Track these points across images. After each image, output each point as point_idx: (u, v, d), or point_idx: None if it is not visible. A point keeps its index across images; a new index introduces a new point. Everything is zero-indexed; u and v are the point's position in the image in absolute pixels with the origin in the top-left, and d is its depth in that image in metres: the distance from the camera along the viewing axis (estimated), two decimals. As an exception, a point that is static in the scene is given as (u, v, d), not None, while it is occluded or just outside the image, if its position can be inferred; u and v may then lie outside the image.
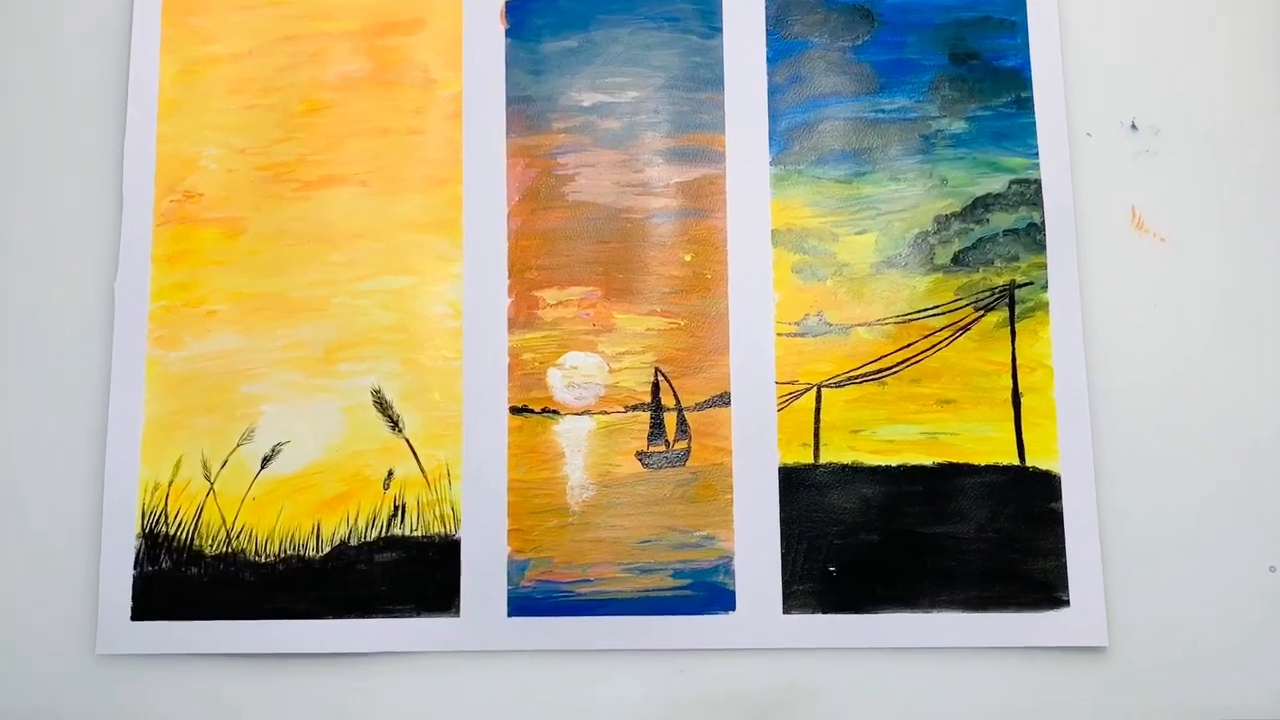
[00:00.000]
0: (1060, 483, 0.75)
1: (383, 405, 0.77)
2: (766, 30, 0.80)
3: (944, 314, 0.78)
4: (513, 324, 0.78)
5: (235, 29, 0.80)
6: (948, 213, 0.79)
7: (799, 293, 0.78)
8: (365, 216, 0.79)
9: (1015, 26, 0.80)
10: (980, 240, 0.78)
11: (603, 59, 0.80)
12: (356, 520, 0.76)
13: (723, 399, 0.77)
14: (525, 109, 0.80)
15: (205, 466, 0.76)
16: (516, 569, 0.75)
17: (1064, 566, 0.75)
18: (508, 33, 0.80)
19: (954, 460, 0.76)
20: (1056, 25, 0.80)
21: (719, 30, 0.80)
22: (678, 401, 0.77)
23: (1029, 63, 0.80)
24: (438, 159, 0.79)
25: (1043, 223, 0.78)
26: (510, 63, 0.80)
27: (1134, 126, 0.80)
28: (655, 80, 0.80)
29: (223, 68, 0.80)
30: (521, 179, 0.79)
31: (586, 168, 0.79)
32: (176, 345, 0.77)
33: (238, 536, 0.76)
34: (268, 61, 0.80)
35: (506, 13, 0.80)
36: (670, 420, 0.77)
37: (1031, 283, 0.78)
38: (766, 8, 0.80)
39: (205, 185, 0.79)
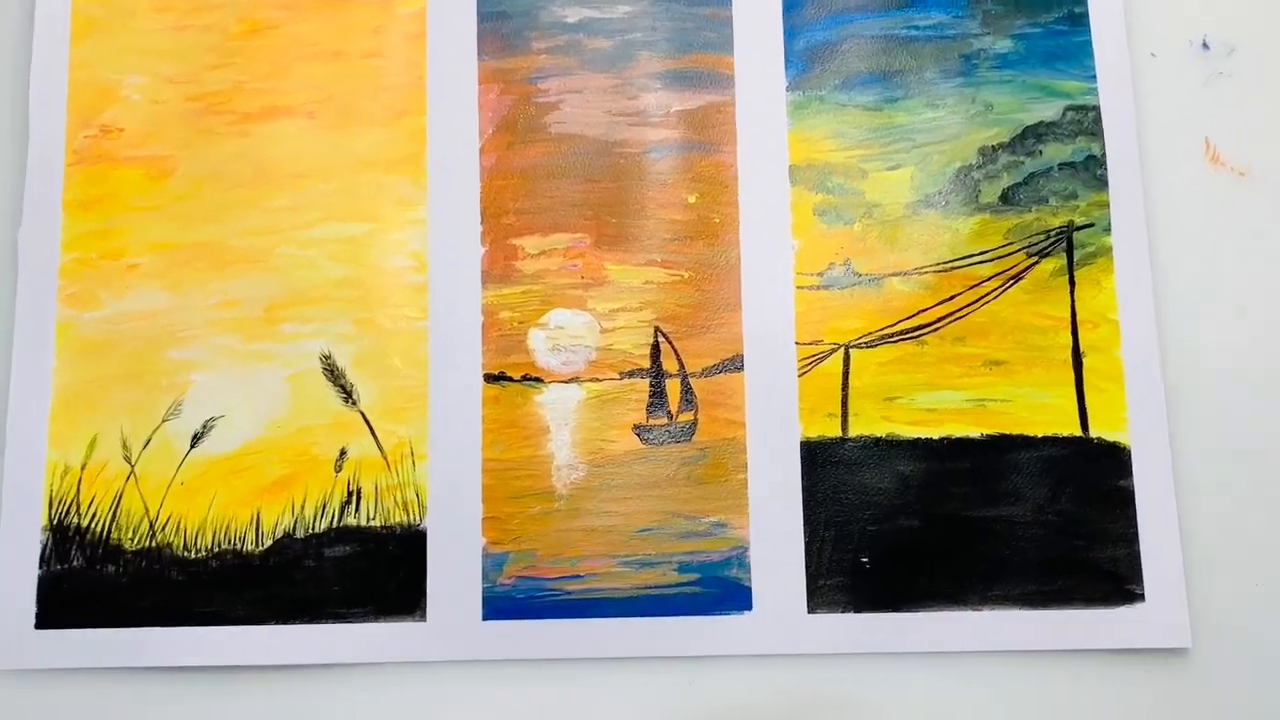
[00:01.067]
0: (1130, 456, 0.65)
1: (333, 373, 0.66)
2: (780, -64, 0.69)
3: (992, 261, 0.67)
4: (487, 277, 0.66)
5: (162, -64, 0.69)
6: (994, 144, 0.68)
7: (822, 238, 0.67)
8: (314, 154, 0.67)
9: (1067, -71, 0.69)
10: (1032, 175, 0.67)
11: (590, -31, 0.69)
12: (303, 508, 0.64)
13: (734, 363, 0.66)
14: (499, 26, 0.69)
15: (125, 446, 0.65)
16: (493, 564, 0.64)
17: (1137, 555, 0.64)
18: (479, -60, 0.69)
19: (1006, 431, 0.65)
20: (1114, -73, 0.69)
21: (725, -64, 0.69)
22: (681, 366, 0.66)
23: (1083, -28, 0.69)
24: (398, 86, 0.68)
25: (1103, 155, 0.67)
26: (482, -26, 0.69)
27: (1205, 45, 0.69)
28: (651, -7, 0.69)
29: (147, -18, 0.69)
30: (496, 108, 0.68)
31: (572, 94, 0.68)
32: (91, 304, 0.66)
33: (163, 528, 0.64)
34: (200, -26, 0.69)
35: (477, -84, 0.69)
36: (673, 388, 0.65)
37: (1092, 224, 0.67)
38: (780, -91, 0.69)
39: (127, 118, 0.68)
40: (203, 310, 0.66)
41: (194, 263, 0.66)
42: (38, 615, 0.64)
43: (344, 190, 0.67)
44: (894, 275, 0.67)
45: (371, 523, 0.64)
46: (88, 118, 0.68)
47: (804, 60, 0.69)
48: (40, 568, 0.64)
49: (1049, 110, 0.68)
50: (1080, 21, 0.69)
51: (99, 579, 0.64)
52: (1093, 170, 0.67)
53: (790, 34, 0.69)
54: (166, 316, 0.66)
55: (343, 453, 0.65)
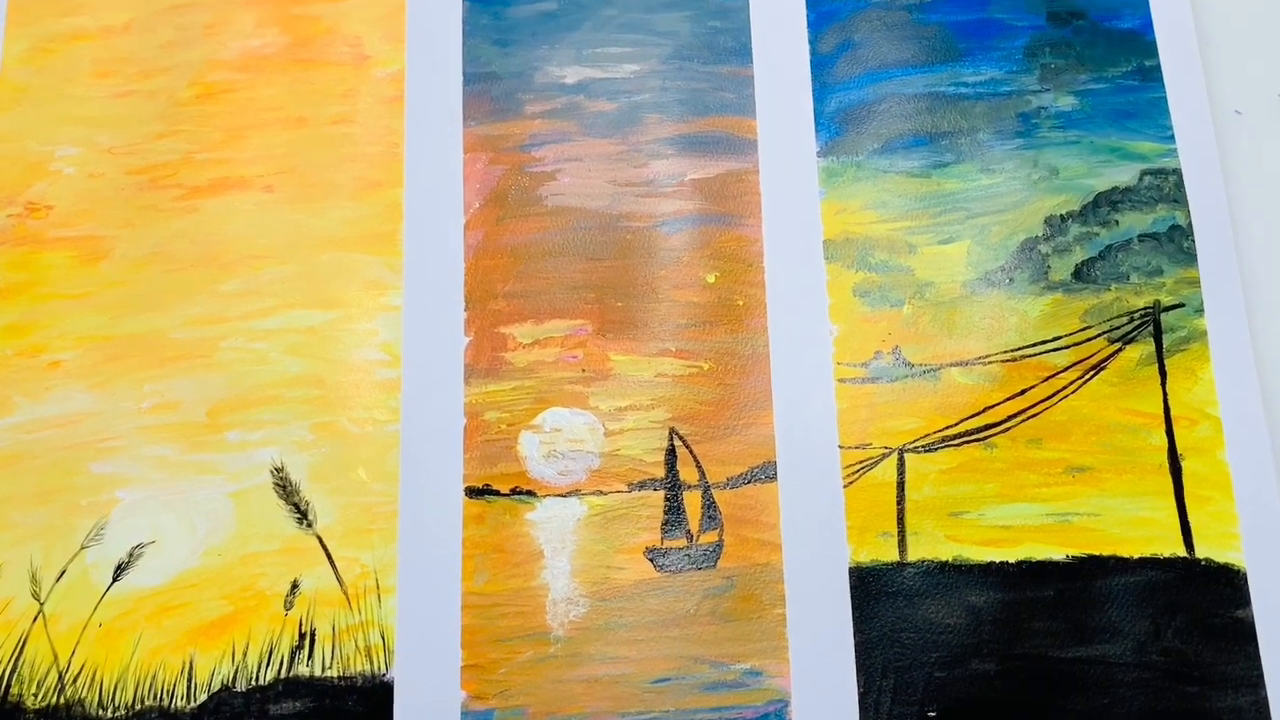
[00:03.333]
0: (1247, 580, 0.53)
1: (286, 489, 0.55)
2: (806, -15, 0.61)
3: (1068, 348, 0.57)
4: (471, 372, 0.56)
5: (107, -6, 0.61)
6: (1063, 213, 0.58)
7: (865, 323, 0.57)
8: (270, 231, 0.58)
9: (1130, -25, 0.61)
10: (1109, 248, 0.58)
11: (591, 23, 0.61)
12: (246, 655, 0.53)
13: (766, 471, 0.55)
14: (488, 89, 0.60)
15: (34, 580, 0.54)
16: (475, 723, 0.52)
17: (1263, 702, 0.52)
18: (466, -6, 0.62)
19: (1096, 552, 0.54)
20: (1184, -26, 0.61)
21: (744, -14, 0.61)
22: (703, 476, 0.55)
23: (1151, 22, 0.61)
24: (370, 155, 0.59)
25: (1189, 225, 0.58)
26: (469, 31, 0.61)
27: (1295, 101, 0.61)
28: (661, 49, 0.61)
29: (89, 45, 0.61)
30: (484, 179, 0.59)
31: (571, 162, 0.59)
32: (3, 410, 0.56)
33: (74, 681, 0.53)
34: (149, 37, 0.61)
35: (464, -32, 0.62)
36: (693, 502, 0.55)
37: (1182, 304, 0.57)
38: (805, -43, 0.62)
39: (57, 195, 0.59)
40: (133, 415, 0.56)
41: (125, 358, 0.56)
42: (-88, 793, 0.52)
43: (304, 273, 0.58)
44: (953, 365, 0.57)
45: (328, 673, 0.53)
46: (12, 194, 0.59)
47: (837, 123, 0.60)
48: (-81, 732, 0.52)
49: (1123, 175, 0.59)
50: (1152, 76, 0.60)
51: (-9, 746, 0.52)
52: (1178, 242, 0.58)
53: (820, 94, 0.60)
54: (90, 422, 0.56)
55: (294, 586, 0.54)
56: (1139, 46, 0.61)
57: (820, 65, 0.61)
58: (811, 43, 0.61)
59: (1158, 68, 0.60)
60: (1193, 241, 0.58)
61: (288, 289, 0.57)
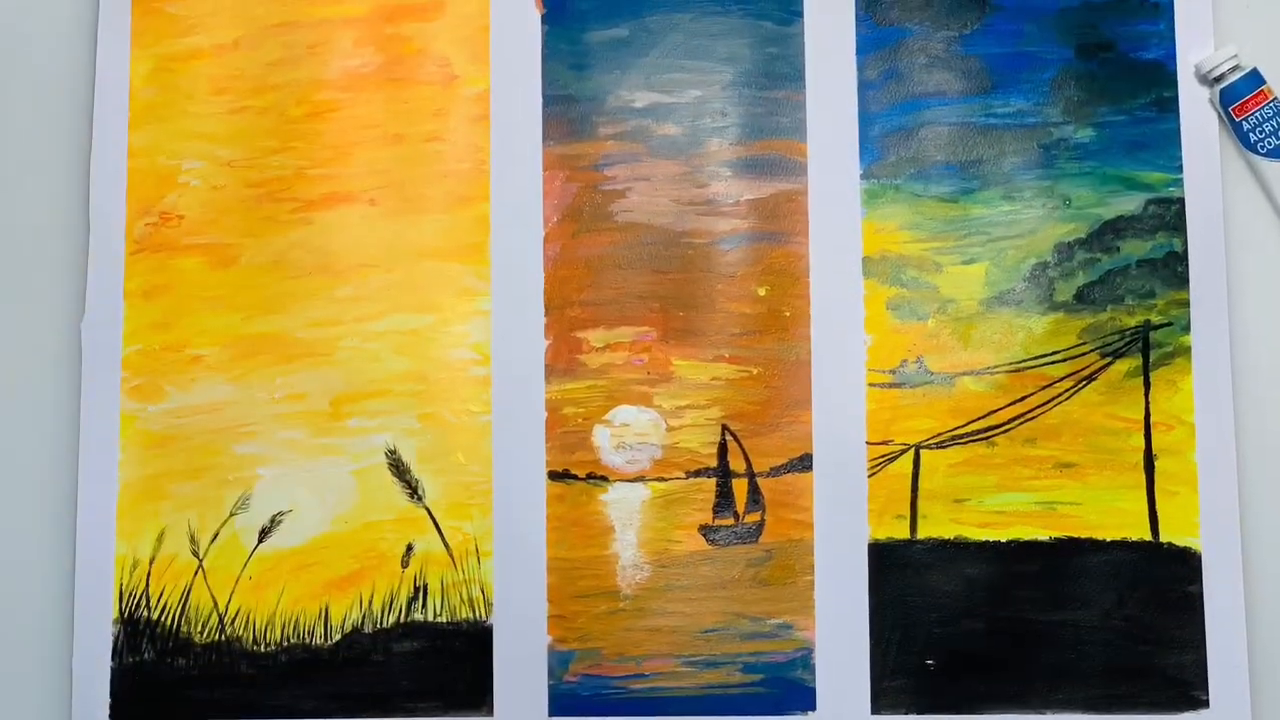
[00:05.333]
0: (1201, 562, 0.64)
1: (399, 468, 0.65)
2: (856, 15, 0.67)
3: (1064, 361, 0.65)
4: (551, 372, 0.66)
5: (218, 15, 0.67)
6: (1071, 239, 0.66)
7: (895, 334, 0.66)
8: (376, 242, 0.66)
9: (1158, 9, 0.66)
10: (1109, 273, 0.66)
11: (659, 50, 0.67)
12: (371, 603, 0.65)
13: (803, 462, 0.65)
14: (565, 111, 0.67)
15: (193, 540, 0.65)
16: (559, 661, 0.64)
17: (1204, 661, 0.64)
18: (544, 18, 0.67)
19: (1075, 535, 0.65)
20: (1209, 5, 0.66)
21: (799, 15, 0.67)
22: (749, 466, 0.65)
23: (1175, 54, 0.66)
24: (461, 172, 0.66)
25: (1185, 251, 0.65)
26: (548, 55, 0.67)
27: (1295, 132, 0.67)
28: (722, 76, 0.67)
29: (204, 63, 0.67)
30: (561, 195, 0.66)
31: (639, 181, 0.66)
32: (156, 397, 0.66)
33: (232, 622, 0.65)
34: (257, 55, 0.67)
35: (543, -6, 0.67)
36: (740, 488, 0.65)
37: (1170, 323, 0.65)
38: (857, -12, 0.67)
39: (186, 205, 0.66)
40: (267, 403, 0.66)
41: (258, 354, 0.66)
42: (111, 708, 0.64)
43: (406, 281, 0.66)
44: (966, 374, 0.66)
45: (438, 618, 0.65)
46: (147, 205, 0.66)
47: (879, 147, 0.67)
48: (113, 661, 0.65)
49: (1130, 204, 0.66)
50: (1169, 107, 0.66)
51: (169, 672, 0.65)
52: (1173, 267, 0.66)
53: (865, 120, 0.67)
54: (231, 410, 0.66)
55: (409, 548, 0.65)
56: (1159, 77, 0.66)
57: (866, 91, 0.67)
58: (859, 70, 0.67)
59: (1175, 99, 0.66)
60: (1186, 266, 0.65)
61: (393, 295, 0.66)
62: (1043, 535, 0.65)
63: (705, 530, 0.65)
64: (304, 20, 0.67)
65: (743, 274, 0.66)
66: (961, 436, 0.65)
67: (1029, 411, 0.65)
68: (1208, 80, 0.65)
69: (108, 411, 0.65)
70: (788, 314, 0.66)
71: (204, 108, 0.67)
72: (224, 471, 0.65)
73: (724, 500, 0.65)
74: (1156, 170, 0.66)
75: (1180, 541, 0.64)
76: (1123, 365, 0.65)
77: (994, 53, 0.67)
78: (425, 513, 0.65)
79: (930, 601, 0.65)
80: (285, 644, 0.65)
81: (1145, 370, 0.65)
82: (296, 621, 0.65)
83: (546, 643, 0.65)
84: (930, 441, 0.65)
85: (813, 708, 0.64)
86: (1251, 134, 0.65)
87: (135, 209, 0.66)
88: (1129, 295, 0.66)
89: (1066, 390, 0.65)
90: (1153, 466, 0.65)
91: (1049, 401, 0.65)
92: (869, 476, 0.65)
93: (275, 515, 0.65)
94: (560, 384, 0.66)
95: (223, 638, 0.65)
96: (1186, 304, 0.65)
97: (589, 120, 0.67)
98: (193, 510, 0.65)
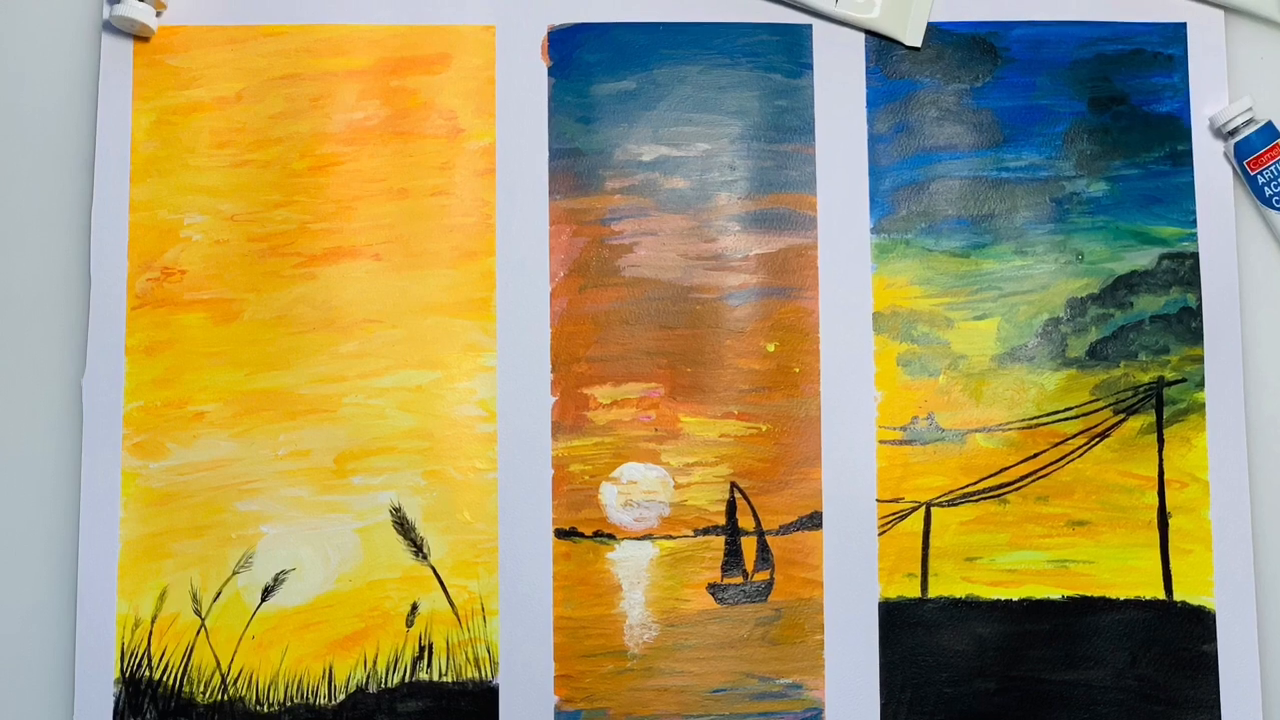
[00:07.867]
0: (1216, 621, 0.63)
1: (404, 526, 0.65)
2: (866, 67, 0.66)
3: (1078, 417, 0.65)
4: (557, 429, 0.65)
5: (220, 67, 0.66)
6: (1083, 295, 0.65)
7: (905, 390, 0.65)
8: (381, 297, 0.65)
9: (1172, 62, 0.66)
10: (1122, 329, 0.65)
11: (667, 103, 0.66)
12: (375, 663, 0.64)
13: (813, 520, 0.64)
14: (572, 164, 0.66)
15: (195, 599, 0.64)
16: (566, 722, 0.64)
17: (1218, 721, 0.63)
18: (551, 71, 0.66)
19: (1088, 594, 0.64)
20: (1224, 58, 0.65)
21: (808, 67, 0.66)
22: (758, 524, 0.64)
23: (1189, 107, 0.65)
24: (466, 226, 0.66)
25: (1199, 307, 0.65)
26: (554, 108, 0.66)
27: (1310, 184, 0.66)
28: (731, 129, 0.66)
29: (206, 116, 0.66)
30: (568, 250, 0.66)
31: (647, 236, 0.66)
32: (158, 454, 0.65)
33: (235, 682, 0.64)
34: (260, 108, 0.66)
35: (549, 47, 0.66)
36: (749, 546, 0.64)
37: (1184, 379, 0.65)
38: (866, 41, 0.66)
39: (189, 260, 0.66)
40: (270, 460, 0.65)
41: (261, 411, 0.65)
42: (113, 770, 0.64)
43: (411, 336, 0.65)
44: (978, 431, 0.65)
45: (444, 678, 0.64)
46: (150, 259, 0.66)
47: (889, 201, 0.66)
48: (114, 721, 0.64)
49: (1143, 259, 0.65)
50: (1183, 161, 0.66)
51: (172, 733, 0.64)
52: (1187, 323, 0.65)
53: (875, 174, 0.66)
54: (234, 467, 0.65)
55: (414, 607, 0.64)
56: (1174, 130, 0.66)
57: (876, 145, 0.66)
58: (869, 123, 0.66)
59: (1189, 152, 0.66)
60: (1200, 322, 0.65)
61: (397, 351, 0.65)
62: (1055, 594, 0.64)
63: (714, 589, 0.65)
64: (307, 73, 0.66)
65: (751, 330, 0.65)
66: (973, 494, 0.65)
67: (1041, 469, 0.65)
68: (1222, 134, 0.65)
69: (109, 469, 0.65)
70: (797, 370, 0.65)
71: (206, 161, 0.66)
72: (227, 529, 0.65)
73: (733, 558, 0.65)
74: (1170, 225, 0.65)
75: (1194, 600, 0.64)
76: (1136, 422, 0.65)
77: (1006, 106, 0.66)
78: (430, 571, 0.65)
79: (941, 661, 0.64)
80: (289, 704, 0.64)
81: (1159, 427, 0.65)
82: (300, 681, 0.64)
83: (553, 703, 0.64)
84: (941, 499, 0.65)
85: (823, 769, 0.63)
86: (1267, 188, 0.64)
87: (137, 264, 0.65)
88: (1142, 351, 0.65)
89: (1079, 447, 0.65)
90: (1166, 524, 0.64)
91: (1061, 459, 0.65)
92: (879, 534, 0.64)
93: (279, 574, 0.65)
94: (567, 441, 0.65)
95: (225, 698, 0.64)
96: (1201, 360, 0.65)
97: (596, 174, 0.66)
98: (195, 569, 0.65)
